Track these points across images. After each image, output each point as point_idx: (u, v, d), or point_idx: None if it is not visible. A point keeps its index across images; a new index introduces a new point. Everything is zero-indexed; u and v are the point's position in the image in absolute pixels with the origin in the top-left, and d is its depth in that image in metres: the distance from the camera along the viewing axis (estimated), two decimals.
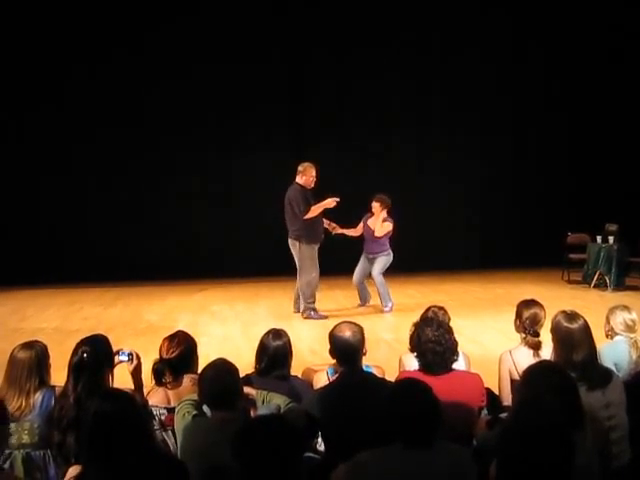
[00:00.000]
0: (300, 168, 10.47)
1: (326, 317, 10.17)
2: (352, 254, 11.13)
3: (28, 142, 14.14)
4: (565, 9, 14.84)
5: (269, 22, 14.61)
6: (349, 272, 11.17)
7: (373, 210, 10.94)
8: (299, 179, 10.43)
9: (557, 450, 2.68)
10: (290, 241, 10.44)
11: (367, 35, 14.68)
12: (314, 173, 10.42)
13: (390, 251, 10.93)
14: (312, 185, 10.44)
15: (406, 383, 3.66)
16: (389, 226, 10.79)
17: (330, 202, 10.33)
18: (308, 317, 10.29)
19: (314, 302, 10.46)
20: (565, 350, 4.32)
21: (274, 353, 4.81)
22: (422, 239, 14.48)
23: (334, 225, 10.71)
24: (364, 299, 11.22)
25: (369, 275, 11.02)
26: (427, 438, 3.28)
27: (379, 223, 10.78)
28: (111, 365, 4.54)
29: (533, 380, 3.50)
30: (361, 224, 11.05)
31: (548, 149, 15.32)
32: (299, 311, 10.59)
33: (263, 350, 4.87)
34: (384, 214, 10.84)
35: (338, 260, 11.51)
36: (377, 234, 10.77)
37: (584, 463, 3.05)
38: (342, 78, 14.80)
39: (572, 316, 4.46)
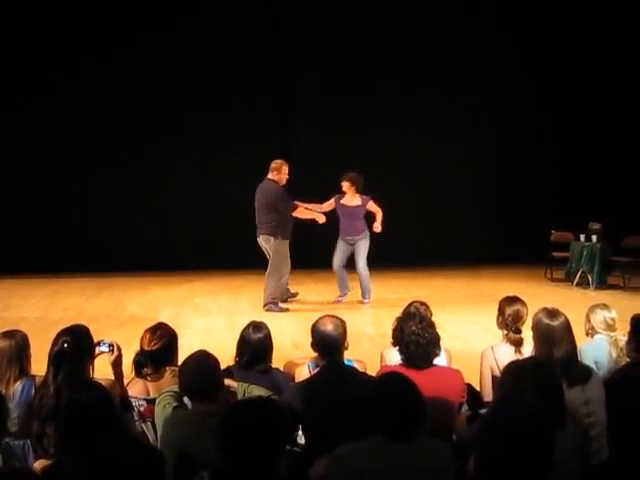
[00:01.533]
0: (274, 165, 10.52)
1: (287, 310, 10.26)
2: (327, 247, 11.11)
3: (15, 134, 14.09)
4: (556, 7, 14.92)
5: (257, 20, 14.62)
6: (326, 266, 11.16)
7: (344, 189, 10.92)
8: (273, 176, 10.47)
9: (535, 446, 2.69)
10: (263, 237, 10.42)
11: (358, 26, 14.64)
12: (287, 170, 10.51)
13: (368, 232, 10.93)
14: (285, 182, 10.52)
15: (391, 376, 3.66)
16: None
17: (319, 218, 10.57)
18: (269, 310, 10.28)
19: (278, 297, 10.54)
20: (545, 346, 4.33)
21: (254, 346, 4.80)
22: (407, 235, 14.50)
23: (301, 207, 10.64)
24: (344, 289, 11.13)
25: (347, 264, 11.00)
26: (410, 431, 3.29)
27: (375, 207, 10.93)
28: (91, 356, 4.53)
29: (516, 375, 3.51)
30: (329, 204, 10.98)
31: (533, 147, 15.36)
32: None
33: (243, 343, 4.86)
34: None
35: (322, 253, 11.49)
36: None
37: (563, 460, 3.06)
38: (329, 71, 14.76)
39: (553, 313, 4.47)
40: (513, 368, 3.60)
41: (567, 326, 4.42)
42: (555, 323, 4.40)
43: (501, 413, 2.81)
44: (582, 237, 12.76)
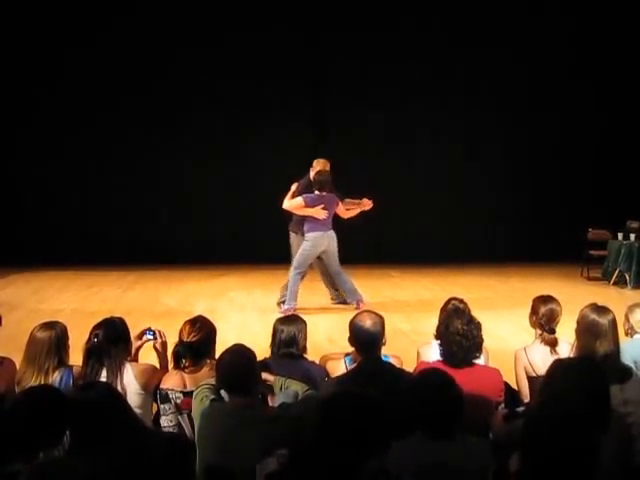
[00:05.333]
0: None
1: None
2: (360, 244, 10.94)
3: (48, 123, 14.29)
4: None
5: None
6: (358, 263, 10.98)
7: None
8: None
9: (583, 445, 2.66)
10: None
11: (388, 12, 14.62)
12: (318, 167, 9.93)
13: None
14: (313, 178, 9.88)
15: (431, 372, 3.66)
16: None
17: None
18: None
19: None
20: (589, 342, 4.32)
21: (286, 337, 4.86)
22: (441, 231, 14.46)
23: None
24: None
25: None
26: (449, 428, 3.28)
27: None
28: (128, 347, 4.67)
29: (565, 373, 3.47)
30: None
31: (571, 144, 15.18)
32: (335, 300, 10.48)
33: (275, 334, 4.93)
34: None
35: (354, 249, 11.43)
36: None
37: (607, 462, 3.02)
38: (362, 63, 14.69)
39: (602, 309, 4.47)
40: (562, 366, 3.56)
41: (613, 324, 4.40)
42: (602, 319, 4.38)
43: (549, 411, 2.77)
44: (620, 235, 12.61)
